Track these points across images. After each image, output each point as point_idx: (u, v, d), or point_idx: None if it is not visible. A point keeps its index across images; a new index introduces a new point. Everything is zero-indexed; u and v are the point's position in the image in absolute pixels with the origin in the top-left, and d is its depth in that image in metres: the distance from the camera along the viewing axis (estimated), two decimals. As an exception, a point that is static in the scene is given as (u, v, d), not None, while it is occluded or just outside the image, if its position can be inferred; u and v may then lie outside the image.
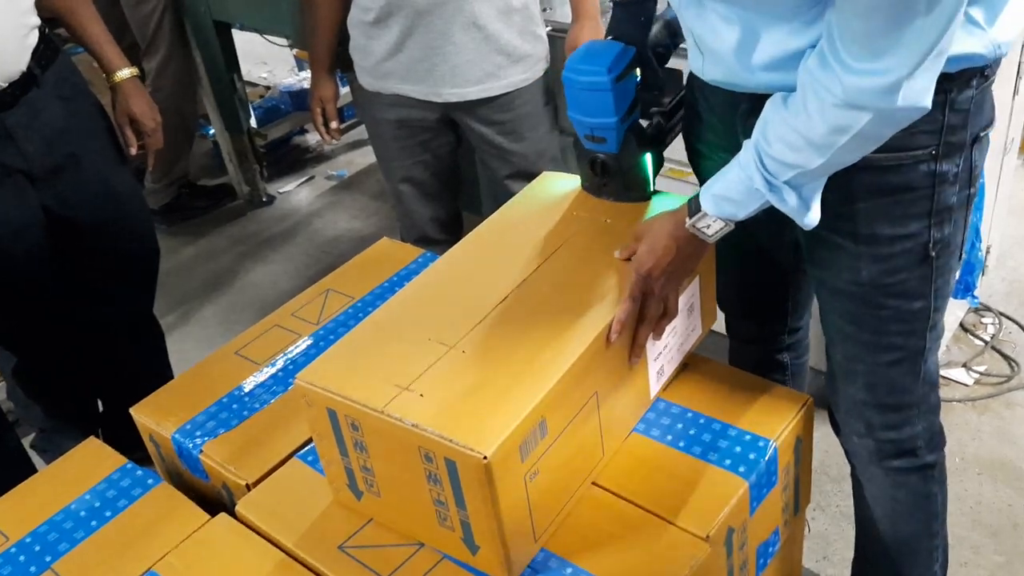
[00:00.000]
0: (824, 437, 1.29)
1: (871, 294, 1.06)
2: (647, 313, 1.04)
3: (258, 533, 1.07)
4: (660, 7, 1.18)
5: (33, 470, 1.60)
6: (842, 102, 0.85)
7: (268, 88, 3.40)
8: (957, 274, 1.11)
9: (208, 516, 1.10)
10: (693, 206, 1.02)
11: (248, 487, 1.12)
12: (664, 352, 1.13)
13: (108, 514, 1.12)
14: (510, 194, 1.42)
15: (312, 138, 3.34)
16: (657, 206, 1.17)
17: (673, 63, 1.21)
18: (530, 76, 1.69)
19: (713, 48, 1.00)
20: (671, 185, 1.86)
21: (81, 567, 1.05)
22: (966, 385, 1.95)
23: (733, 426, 1.10)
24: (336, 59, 1.84)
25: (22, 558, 1.07)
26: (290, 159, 3.26)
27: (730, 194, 0.98)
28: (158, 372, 1.85)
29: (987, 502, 1.70)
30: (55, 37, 1.53)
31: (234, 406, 1.24)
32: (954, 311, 2.03)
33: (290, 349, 1.32)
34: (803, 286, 1.30)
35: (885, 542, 1.25)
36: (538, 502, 0.95)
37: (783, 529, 1.16)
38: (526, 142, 1.73)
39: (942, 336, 1.12)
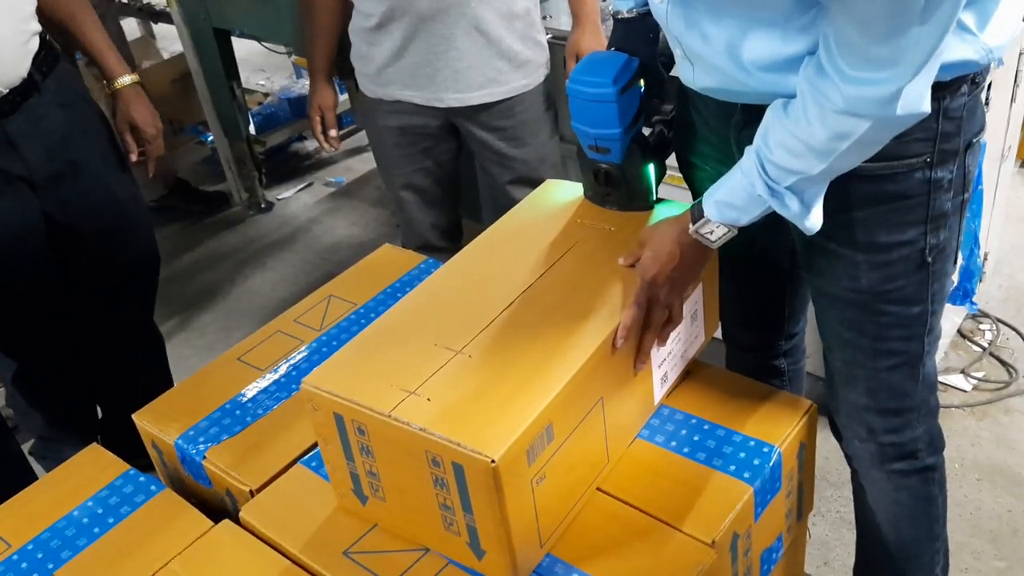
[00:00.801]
0: (824, 442, 1.30)
1: (870, 301, 1.06)
2: (652, 319, 1.04)
3: (262, 539, 1.06)
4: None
5: (33, 477, 1.60)
6: (842, 110, 0.86)
7: (267, 95, 3.41)
8: (954, 278, 1.11)
9: (211, 523, 1.10)
10: (696, 212, 1.02)
11: (252, 493, 1.12)
12: (668, 359, 1.13)
13: (111, 521, 1.11)
14: (511, 201, 1.42)
15: (311, 145, 3.35)
16: (660, 214, 1.17)
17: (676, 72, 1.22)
18: (531, 82, 1.69)
19: (703, 55, 1.00)
20: (673, 192, 1.86)
21: (84, 574, 1.05)
22: (964, 391, 1.95)
23: (737, 432, 1.10)
24: (335, 66, 1.84)
25: (24, 565, 1.07)
26: (289, 166, 3.27)
27: (733, 200, 0.99)
28: (158, 379, 1.85)
29: (986, 508, 1.70)
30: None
31: (237, 412, 1.24)
32: (952, 317, 2.04)
33: (293, 355, 1.32)
34: (799, 292, 1.31)
35: (887, 545, 1.25)
36: (544, 507, 0.95)
37: (786, 535, 1.16)
38: (527, 148, 1.73)
39: (939, 339, 1.13)
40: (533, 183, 1.34)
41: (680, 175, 1.85)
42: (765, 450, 1.07)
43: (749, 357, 1.41)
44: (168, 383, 1.89)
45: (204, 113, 2.89)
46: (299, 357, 1.32)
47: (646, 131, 1.17)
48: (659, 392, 1.14)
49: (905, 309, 1.06)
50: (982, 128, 1.03)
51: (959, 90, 0.96)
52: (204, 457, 1.17)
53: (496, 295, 1.06)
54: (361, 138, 3.07)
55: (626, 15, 1.15)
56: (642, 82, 1.13)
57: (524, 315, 1.03)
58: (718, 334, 1.36)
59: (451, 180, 1.83)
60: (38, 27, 1.46)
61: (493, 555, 0.94)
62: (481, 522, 0.92)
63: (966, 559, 1.61)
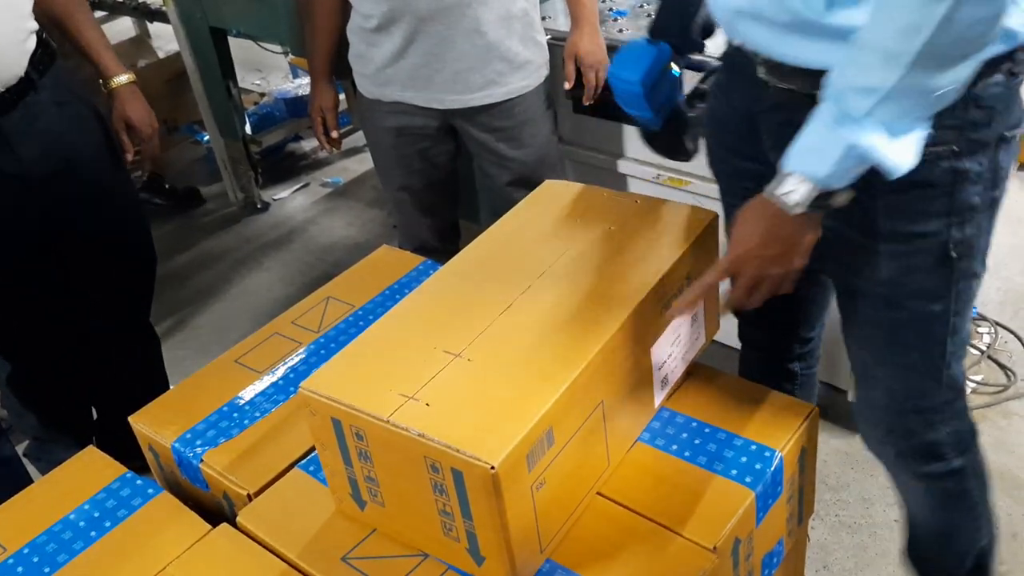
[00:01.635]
0: (822, 445, 1.30)
1: (889, 294, 1.04)
2: (737, 289, 1.01)
3: (260, 544, 1.05)
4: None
5: (28, 479, 1.59)
6: None
7: (263, 95, 3.40)
8: (981, 281, 1.09)
9: (209, 527, 1.09)
10: (777, 173, 0.95)
11: (249, 497, 1.11)
12: (668, 361, 1.12)
13: (108, 524, 1.10)
14: (510, 202, 1.41)
15: (307, 145, 3.34)
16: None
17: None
18: (531, 83, 1.69)
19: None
20: (669, 193, 1.86)
21: (80, 579, 1.04)
22: (963, 394, 1.95)
23: (738, 436, 1.09)
24: (334, 67, 1.83)
25: (20, 569, 1.05)
26: (285, 166, 3.26)
27: (810, 141, 0.90)
28: (154, 380, 1.84)
29: (986, 511, 1.70)
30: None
31: (234, 415, 1.23)
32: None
33: (290, 357, 1.31)
34: (818, 297, 1.30)
35: (927, 524, 1.24)
36: (544, 512, 0.95)
37: (787, 539, 1.15)
38: (526, 149, 1.73)
39: (967, 343, 1.10)
40: (532, 184, 1.34)
41: (677, 177, 1.86)
42: (766, 454, 1.06)
43: (762, 358, 1.40)
44: (164, 384, 1.89)
45: (200, 112, 2.88)
46: (297, 359, 1.31)
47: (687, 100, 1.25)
48: (659, 395, 1.13)
49: (925, 305, 1.03)
50: (1020, 123, 0.98)
51: (992, 77, 0.92)
52: (201, 460, 1.16)
53: (495, 297, 1.06)
54: (358, 138, 3.06)
55: None
56: (675, 67, 1.19)
57: (523, 318, 1.03)
58: (723, 338, 1.36)
59: (449, 181, 1.83)
60: (35, 25, 1.45)
61: (493, 561, 0.93)
62: (480, 528, 0.91)
63: (965, 562, 1.61)
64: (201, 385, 1.29)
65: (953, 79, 0.84)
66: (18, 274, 1.50)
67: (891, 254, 1.01)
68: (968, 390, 1.95)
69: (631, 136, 1.89)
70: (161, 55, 3.32)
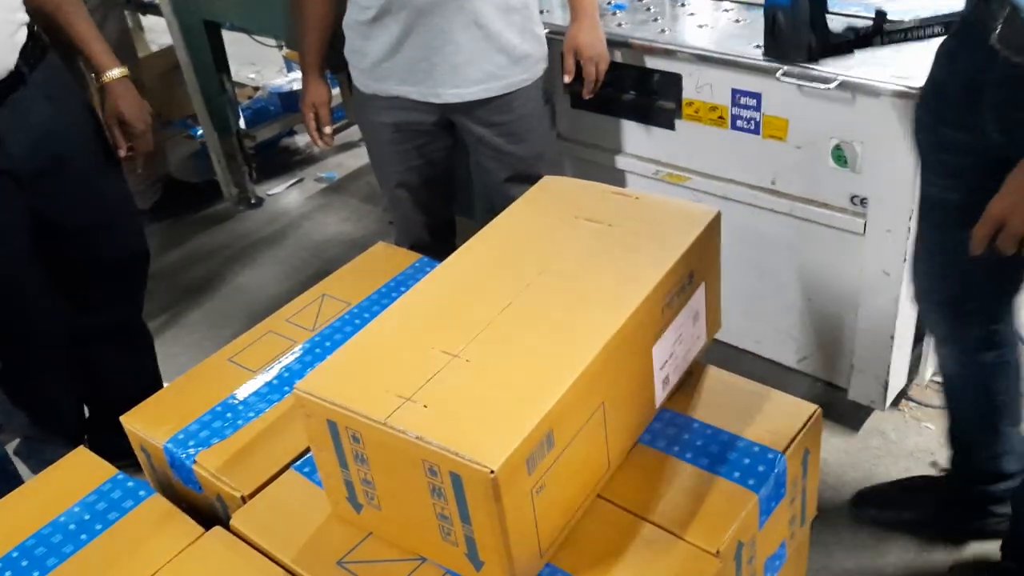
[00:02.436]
0: (822, 445, 1.28)
1: None
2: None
3: (254, 547, 1.03)
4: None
5: (18, 477, 1.57)
6: None
7: (257, 89, 3.37)
8: None
9: (202, 530, 1.06)
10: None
11: (243, 499, 1.09)
12: (670, 360, 1.11)
13: (99, 527, 1.08)
14: (507, 198, 1.39)
15: (301, 140, 3.31)
16: None
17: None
18: (530, 76, 1.66)
19: None
20: (668, 189, 1.85)
21: (70, 584, 1.02)
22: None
23: (741, 437, 1.07)
24: (326, 60, 1.81)
25: (9, 573, 1.03)
26: (279, 161, 3.23)
27: None
28: (147, 378, 1.82)
29: None
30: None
31: (228, 415, 1.20)
32: None
33: (285, 356, 1.29)
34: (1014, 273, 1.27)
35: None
36: (544, 516, 0.93)
37: (790, 542, 1.14)
38: (525, 144, 1.71)
39: None
40: (530, 180, 1.32)
41: (677, 173, 1.84)
42: (770, 456, 1.04)
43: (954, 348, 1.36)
44: (157, 382, 1.86)
45: (193, 107, 2.85)
46: (292, 358, 1.29)
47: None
48: (661, 395, 1.11)
49: None
50: None
51: None
52: (194, 462, 1.14)
53: (494, 296, 1.04)
54: (353, 133, 3.04)
55: None
56: None
57: (523, 317, 1.01)
58: (719, 336, 1.34)
59: (446, 177, 1.80)
60: (25, 18, 1.43)
61: (492, 566, 0.91)
62: (479, 533, 0.89)
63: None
64: (194, 384, 1.27)
65: None
66: (7, 271, 1.48)
67: None
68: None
69: (630, 131, 1.87)
70: (154, 48, 3.28)
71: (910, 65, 1.45)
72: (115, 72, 1.57)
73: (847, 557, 1.59)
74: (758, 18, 1.63)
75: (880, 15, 1.45)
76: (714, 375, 1.18)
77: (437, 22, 1.55)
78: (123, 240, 1.64)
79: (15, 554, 1.05)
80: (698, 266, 1.12)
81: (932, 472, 1.71)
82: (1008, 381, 1.39)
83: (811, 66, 1.52)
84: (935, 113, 1.17)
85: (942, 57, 1.19)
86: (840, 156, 1.59)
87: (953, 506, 1.56)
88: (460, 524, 0.90)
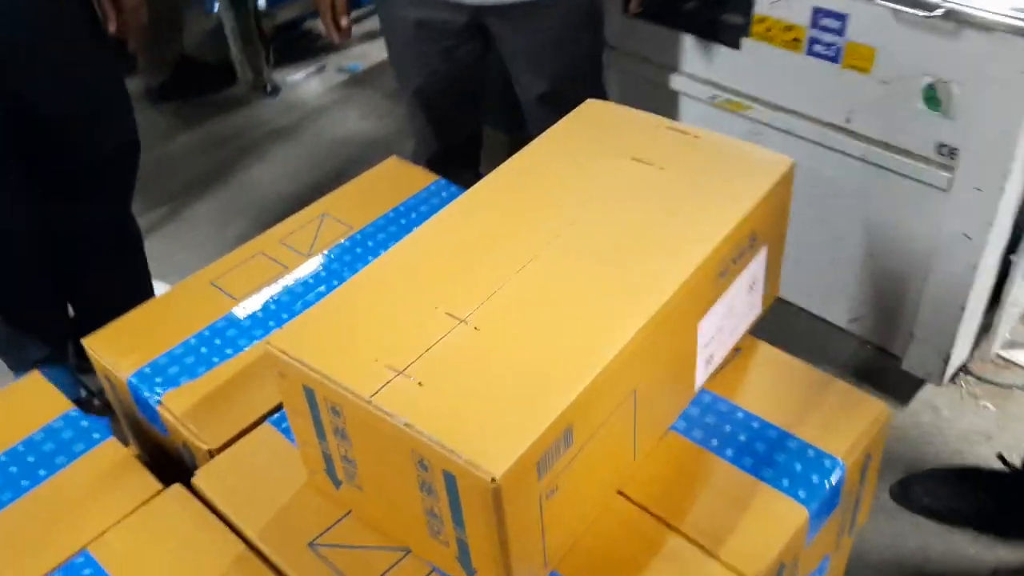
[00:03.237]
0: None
1: None
2: None
3: (216, 513, 0.89)
4: None
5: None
6: None
7: (281, -36, 3.11)
8: None
9: (160, 486, 0.92)
10: None
11: (210, 454, 0.95)
12: (717, 336, 0.93)
13: (43, 473, 0.94)
14: (543, 119, 1.20)
15: (325, 24, 3.07)
16: None
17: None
18: (578, -22, 1.44)
19: None
20: (724, 118, 1.63)
21: (3, 538, 0.88)
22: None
23: (793, 436, 0.91)
24: None
25: (-63, 517, 0.90)
26: (300, 46, 3.00)
27: None
28: (134, 276, 1.68)
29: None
30: None
31: (203, 350, 1.05)
32: None
33: (274, 284, 1.13)
34: None
35: None
36: (553, 522, 0.77)
37: (833, 555, 0.98)
38: (566, 57, 1.49)
39: None
40: (570, 100, 1.11)
41: (737, 101, 1.62)
42: (826, 464, 0.88)
43: None
44: (146, 284, 1.72)
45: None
46: (281, 286, 1.13)
47: None
48: (702, 375, 0.94)
49: None
50: None
51: None
52: (160, 402, 0.99)
53: (515, 248, 0.86)
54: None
55: None
56: None
57: (548, 277, 0.83)
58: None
59: (472, 89, 1.59)
60: None
61: (485, 572, 0.77)
62: (474, 540, 0.74)
63: None
64: (168, 308, 1.12)
65: None
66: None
67: None
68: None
69: (689, 47, 1.65)
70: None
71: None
72: None
73: (885, 547, 1.44)
74: (854, -76, 1.38)
75: None
76: (766, 354, 1.01)
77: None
78: (107, 131, 1.46)
79: (-54, 495, 0.92)
80: (762, 227, 0.93)
81: (985, 456, 1.55)
82: None
83: (913, -12, 1.28)
84: None
85: None
86: (932, 97, 1.36)
87: (1020, 506, 1.41)
88: (452, 526, 0.75)
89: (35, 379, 1.06)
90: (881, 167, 1.48)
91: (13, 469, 0.95)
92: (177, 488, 0.92)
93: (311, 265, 1.15)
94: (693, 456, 0.90)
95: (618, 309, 0.79)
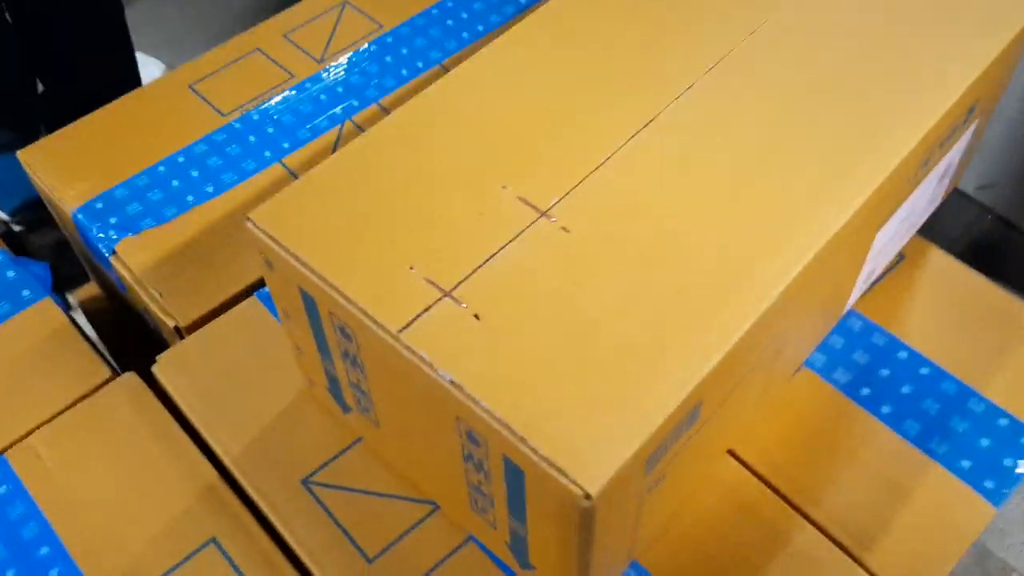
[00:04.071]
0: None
1: None
2: None
3: (180, 420, 0.67)
4: None
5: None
6: None
7: None
8: None
9: (109, 373, 0.69)
10: None
11: (179, 332, 0.71)
12: (889, 243, 0.66)
13: (-49, 341, 0.71)
14: None
15: None
16: None
17: None
18: None
19: None
20: None
21: None
22: None
23: (979, 394, 0.66)
24: None
25: None
26: None
27: None
28: (111, 42, 1.37)
29: None
30: None
31: (174, 182, 0.78)
32: None
33: (273, 96, 0.84)
34: None
35: None
36: (651, 514, 0.54)
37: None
38: None
39: None
40: None
41: None
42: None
43: None
44: (128, 51, 1.41)
45: None
46: (279, 99, 0.84)
47: None
48: (857, 293, 0.68)
49: None
50: None
51: None
52: (113, 252, 0.74)
53: (631, 96, 0.57)
54: None
55: None
56: None
57: (679, 148, 0.54)
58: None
59: None
60: None
61: (545, 573, 0.54)
62: (537, 541, 0.51)
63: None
64: (132, 117, 0.84)
65: None
66: None
67: None
68: None
69: None
70: None
71: None
72: None
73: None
74: None
75: None
76: (940, 264, 0.73)
77: None
78: None
79: None
80: (986, 93, 0.63)
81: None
82: None
83: None
84: None
85: None
86: None
87: None
88: (507, 515, 0.52)
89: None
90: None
91: (-86, 332, 0.71)
92: (130, 379, 0.69)
93: (325, 75, 0.86)
94: (835, 410, 0.65)
95: (794, 213, 0.52)
